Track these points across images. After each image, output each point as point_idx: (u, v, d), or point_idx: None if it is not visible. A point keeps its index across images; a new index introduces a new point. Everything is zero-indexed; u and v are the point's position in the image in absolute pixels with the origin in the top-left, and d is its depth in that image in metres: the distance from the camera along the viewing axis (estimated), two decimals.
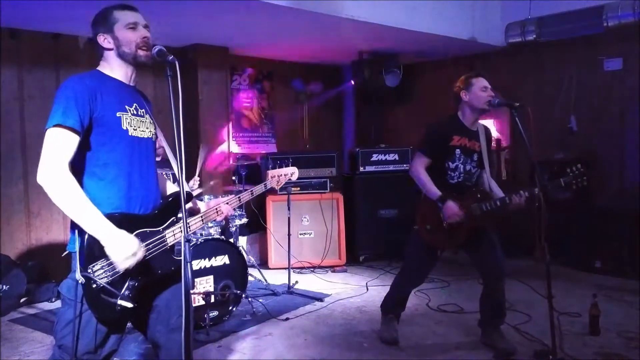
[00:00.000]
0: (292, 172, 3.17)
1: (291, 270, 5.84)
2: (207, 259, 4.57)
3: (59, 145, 2.14)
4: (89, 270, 2.13)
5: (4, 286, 5.04)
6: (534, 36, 6.59)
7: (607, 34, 6.16)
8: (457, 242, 3.90)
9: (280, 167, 3.21)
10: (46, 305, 5.32)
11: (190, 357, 2.14)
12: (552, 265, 3.31)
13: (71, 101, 2.16)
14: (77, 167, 2.20)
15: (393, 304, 4.30)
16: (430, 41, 6.76)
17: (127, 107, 2.34)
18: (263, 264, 6.73)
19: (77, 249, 2.16)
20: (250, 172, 6.28)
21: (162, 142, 2.63)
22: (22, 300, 5.26)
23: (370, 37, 6.58)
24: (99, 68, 2.38)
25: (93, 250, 2.15)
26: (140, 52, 2.30)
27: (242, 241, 6.39)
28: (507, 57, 7.21)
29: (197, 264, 4.48)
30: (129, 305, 2.17)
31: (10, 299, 5.10)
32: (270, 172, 3.10)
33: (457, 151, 3.89)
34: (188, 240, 2.12)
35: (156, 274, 2.31)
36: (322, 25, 5.91)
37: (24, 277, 5.21)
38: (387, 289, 5.65)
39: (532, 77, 7.13)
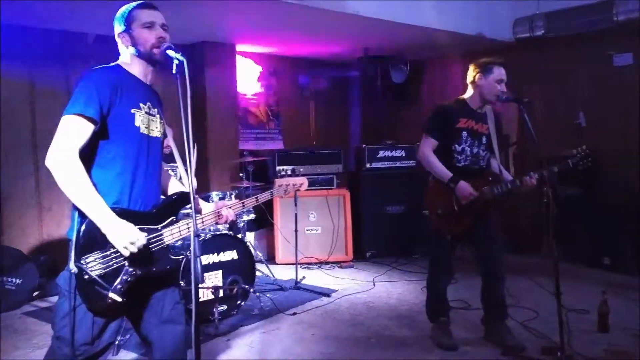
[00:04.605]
0: (301, 183, 3.09)
1: (298, 266, 5.87)
2: (215, 254, 4.60)
3: (73, 132, 2.17)
4: (82, 261, 2.15)
5: (17, 280, 5.10)
6: (542, 31, 6.57)
7: (616, 29, 6.12)
8: (466, 227, 3.85)
9: (290, 176, 3.17)
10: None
11: (199, 350, 2.16)
12: (560, 262, 3.32)
13: (94, 91, 2.20)
14: (86, 156, 2.22)
15: (435, 306, 4.16)
16: (436, 37, 6.74)
17: (141, 104, 2.37)
18: (270, 259, 6.76)
19: (73, 237, 2.18)
20: (257, 169, 6.30)
21: (169, 141, 2.64)
22: (34, 293, 5.32)
23: (376, 33, 6.57)
24: (119, 62, 2.41)
25: (89, 241, 2.17)
26: (155, 51, 2.33)
27: (250, 237, 6.42)
28: (515, 53, 7.19)
29: (206, 259, 4.52)
30: (119, 299, 2.18)
31: (23, 292, 5.17)
32: (278, 181, 3.05)
33: (464, 133, 3.86)
34: (197, 236, 2.13)
35: (151, 271, 2.32)
36: (328, 21, 5.91)
37: (36, 271, 5.28)
38: (394, 284, 5.68)
39: (540, 72, 7.10)
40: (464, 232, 3.91)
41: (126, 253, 2.16)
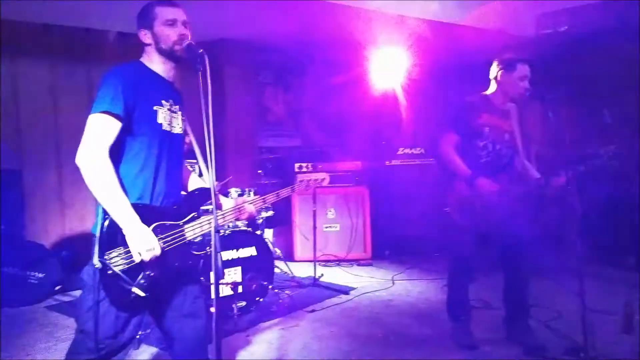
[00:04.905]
0: (322, 178, 3.06)
1: (316, 263, 5.86)
2: (235, 250, 4.61)
3: (102, 130, 2.19)
4: (106, 257, 2.17)
5: (40, 274, 5.17)
6: (566, 27, 6.47)
7: None
8: (489, 224, 3.79)
9: (311, 172, 3.15)
10: (80, 293, 5.42)
11: (220, 344, 2.16)
12: (583, 261, 3.27)
13: (119, 89, 2.21)
14: (111, 152, 2.24)
15: (456, 305, 4.09)
16: (457, 32, 6.67)
17: (163, 101, 2.38)
18: (288, 256, 6.75)
19: (97, 232, 2.20)
20: (275, 165, 6.30)
21: (190, 136, 2.65)
22: (56, 288, 5.38)
23: (394, 30, 6.51)
24: (141, 60, 2.43)
25: (112, 237, 2.19)
26: (176, 48, 2.35)
27: (268, 233, 6.43)
28: (539, 49, 7.09)
29: (225, 255, 4.54)
30: (142, 293, 2.20)
31: (45, 286, 5.23)
32: (300, 177, 3.03)
33: (486, 130, 3.80)
34: (218, 231, 2.14)
35: (172, 267, 2.33)
36: (349, 17, 5.88)
37: (58, 266, 5.34)
38: (413, 282, 5.65)
39: (563, 69, 7.00)
40: (486, 230, 3.86)
41: (138, 259, 2.18)
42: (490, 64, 3.92)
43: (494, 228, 3.83)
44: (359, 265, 6.59)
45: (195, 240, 2.41)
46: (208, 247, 2.43)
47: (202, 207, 2.54)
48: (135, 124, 2.28)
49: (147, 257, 2.18)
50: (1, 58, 5.56)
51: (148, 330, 4.07)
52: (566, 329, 4.16)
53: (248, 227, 5.10)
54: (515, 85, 3.73)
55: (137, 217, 2.19)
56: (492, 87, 3.88)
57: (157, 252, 2.21)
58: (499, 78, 3.79)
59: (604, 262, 6.10)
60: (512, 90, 3.75)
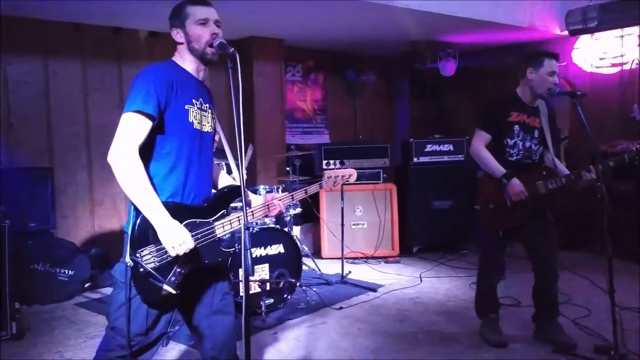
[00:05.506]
0: (350, 174, 3.02)
1: (344, 260, 5.87)
2: (262, 248, 4.65)
3: (134, 129, 2.22)
4: (137, 255, 2.20)
5: (70, 271, 5.26)
6: (596, 23, 6.37)
7: None
8: (519, 222, 3.78)
9: (338, 167, 3.15)
10: (109, 290, 5.48)
11: (249, 341, 2.18)
12: (613, 259, 3.23)
13: (151, 88, 2.24)
14: (143, 151, 2.27)
15: (485, 303, 4.10)
16: (487, 29, 6.63)
17: (194, 100, 2.40)
18: (316, 253, 6.78)
19: (129, 230, 2.24)
20: (303, 163, 6.33)
21: (219, 134, 2.68)
22: (86, 285, 5.47)
23: (426, 26, 6.50)
24: (173, 59, 2.46)
25: (144, 235, 2.22)
26: (208, 50, 2.36)
27: (296, 231, 6.45)
28: (568, 45, 6.99)
29: (254, 252, 4.57)
30: (173, 291, 2.23)
31: (75, 283, 5.32)
32: (327, 173, 3.00)
33: (516, 127, 3.81)
34: (247, 228, 2.16)
35: (203, 264, 2.36)
36: (376, 15, 5.88)
37: (88, 263, 5.42)
38: (441, 280, 5.63)
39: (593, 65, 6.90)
40: (516, 228, 3.84)
41: (173, 253, 2.20)
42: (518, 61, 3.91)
43: (523, 225, 3.81)
44: (386, 262, 6.58)
45: (224, 238, 2.44)
46: (237, 244, 2.45)
47: (231, 205, 2.57)
48: (167, 123, 2.31)
49: (181, 251, 2.19)
50: (31, 57, 5.68)
51: (177, 328, 4.14)
52: (596, 327, 4.12)
53: (276, 225, 5.13)
54: (543, 81, 3.71)
55: (167, 213, 2.21)
56: (521, 85, 3.86)
57: (191, 245, 2.23)
58: (527, 75, 3.77)
59: (634, 258, 5.98)
60: (540, 87, 3.73)
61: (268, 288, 4.56)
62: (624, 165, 3.55)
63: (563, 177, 3.70)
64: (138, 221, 2.22)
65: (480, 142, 3.84)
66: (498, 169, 3.75)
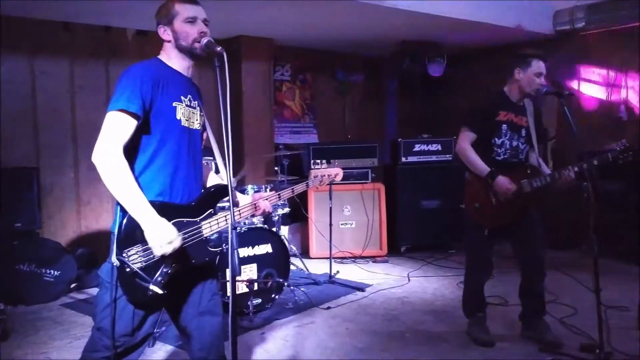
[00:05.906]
0: (336, 173, 3.03)
1: (332, 260, 5.87)
2: (250, 247, 4.63)
3: (118, 128, 2.20)
4: (124, 255, 2.18)
5: (56, 272, 5.21)
6: (583, 24, 6.42)
7: None
8: (505, 221, 3.81)
9: (325, 166, 3.15)
10: (95, 291, 5.46)
11: (235, 341, 2.17)
12: (599, 258, 3.25)
13: (136, 87, 2.22)
14: (129, 149, 2.25)
15: (472, 302, 4.10)
16: (475, 29, 6.65)
17: (182, 97, 2.39)
18: (304, 253, 6.78)
19: (116, 230, 2.21)
20: (292, 162, 6.32)
21: (207, 132, 2.67)
22: (72, 285, 5.42)
23: (414, 26, 6.52)
24: (159, 57, 2.44)
25: (130, 234, 2.20)
26: (196, 45, 2.35)
27: (284, 230, 6.45)
28: (555, 46, 7.04)
29: (241, 252, 4.55)
30: (160, 291, 2.21)
31: (61, 284, 5.27)
32: (314, 172, 3.00)
33: (504, 126, 3.83)
34: (235, 228, 2.15)
35: (190, 263, 2.34)
36: (365, 15, 5.89)
37: (74, 264, 5.37)
38: (429, 279, 5.64)
39: (580, 65, 6.94)
40: (503, 227, 3.86)
41: (159, 252, 2.18)
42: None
43: (510, 224, 3.83)
44: (374, 262, 6.59)
45: (212, 237, 2.43)
46: (225, 244, 2.44)
47: (218, 204, 2.56)
48: (154, 121, 2.29)
49: (168, 250, 2.18)
50: (18, 56, 5.63)
51: (163, 328, 4.11)
52: (582, 325, 4.14)
53: (264, 224, 5.12)
54: (531, 82, 3.74)
55: (154, 212, 2.19)
56: (509, 84, 3.88)
57: (177, 244, 2.21)
58: (515, 75, 3.80)
59: (619, 257, 6.04)
60: (528, 86, 3.76)
61: (256, 288, 4.55)
62: (608, 164, 3.58)
63: (547, 176, 3.73)
64: (124, 221, 2.20)
65: (466, 141, 3.86)
66: (483, 168, 3.77)
